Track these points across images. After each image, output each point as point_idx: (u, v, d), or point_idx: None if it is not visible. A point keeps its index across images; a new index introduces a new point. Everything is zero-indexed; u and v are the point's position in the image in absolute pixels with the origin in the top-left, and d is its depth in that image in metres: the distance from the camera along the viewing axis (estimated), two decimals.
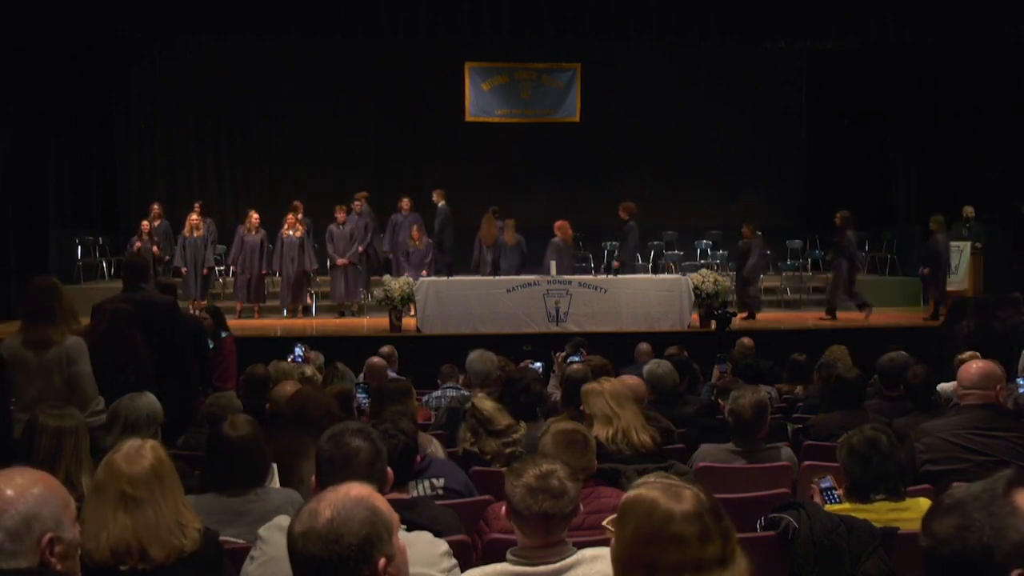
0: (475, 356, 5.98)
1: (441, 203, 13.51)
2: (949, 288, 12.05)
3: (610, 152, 15.90)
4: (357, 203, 13.03)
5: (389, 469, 2.60)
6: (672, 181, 16.25)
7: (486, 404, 4.39)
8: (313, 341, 9.42)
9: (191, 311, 10.85)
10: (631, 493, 1.83)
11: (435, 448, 4.15)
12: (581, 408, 4.33)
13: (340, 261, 12.41)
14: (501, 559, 2.50)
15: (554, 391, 6.18)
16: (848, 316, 12.56)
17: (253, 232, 12.48)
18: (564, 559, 2.43)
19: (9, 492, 1.84)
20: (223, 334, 7.59)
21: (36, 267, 12.26)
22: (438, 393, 6.41)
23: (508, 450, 4.21)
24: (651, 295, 11.28)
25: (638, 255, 15.00)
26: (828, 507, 3.23)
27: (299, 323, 12.31)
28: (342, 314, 12.68)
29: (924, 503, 3.30)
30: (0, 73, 11.80)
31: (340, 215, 12.62)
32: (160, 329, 5.51)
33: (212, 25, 12.77)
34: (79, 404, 4.45)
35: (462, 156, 15.68)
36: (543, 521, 2.43)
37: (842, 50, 14.41)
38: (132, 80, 15.25)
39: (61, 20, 11.88)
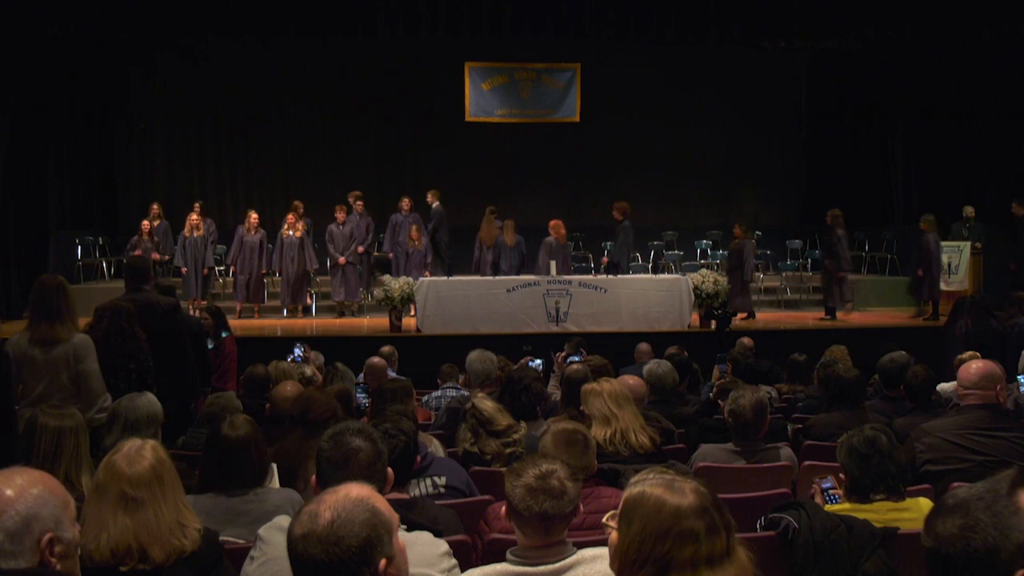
0: (475, 356, 5.98)
1: (435, 204, 13.52)
2: (949, 288, 12.06)
3: (610, 152, 15.91)
4: (359, 203, 13.05)
5: (389, 469, 2.59)
6: (672, 181, 16.26)
7: (486, 404, 4.38)
8: (313, 341, 9.42)
9: (191, 311, 10.86)
10: (634, 490, 1.84)
11: (435, 448, 4.15)
12: (581, 408, 4.33)
13: (341, 260, 12.42)
14: (501, 559, 2.50)
15: (554, 391, 6.18)
16: (848, 316, 12.57)
17: (252, 232, 12.48)
18: (564, 559, 2.43)
19: (9, 492, 1.84)
20: (223, 334, 7.58)
21: (36, 267, 12.27)
22: (438, 393, 6.41)
23: (508, 450, 4.21)
24: (651, 295, 11.28)
25: (637, 255, 15.03)
26: (828, 507, 3.23)
27: (299, 323, 12.31)
28: (342, 314, 12.69)
29: (924, 503, 3.30)
30: (0, 73, 11.81)
31: (340, 215, 12.63)
32: (163, 330, 5.54)
33: (212, 26, 12.77)
34: (87, 401, 4.53)
35: (462, 156, 15.69)
36: (543, 521, 2.42)
37: (842, 50, 14.41)
38: (132, 80, 15.25)
39: (61, 21, 11.89)
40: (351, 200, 12.95)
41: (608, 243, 14.57)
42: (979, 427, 4.01)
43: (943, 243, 12.39)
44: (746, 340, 8.55)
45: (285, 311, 12.74)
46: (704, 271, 11.79)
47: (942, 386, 5.41)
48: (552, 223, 12.11)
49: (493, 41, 14.69)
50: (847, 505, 3.26)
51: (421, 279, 11.38)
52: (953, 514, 1.43)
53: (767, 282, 14.44)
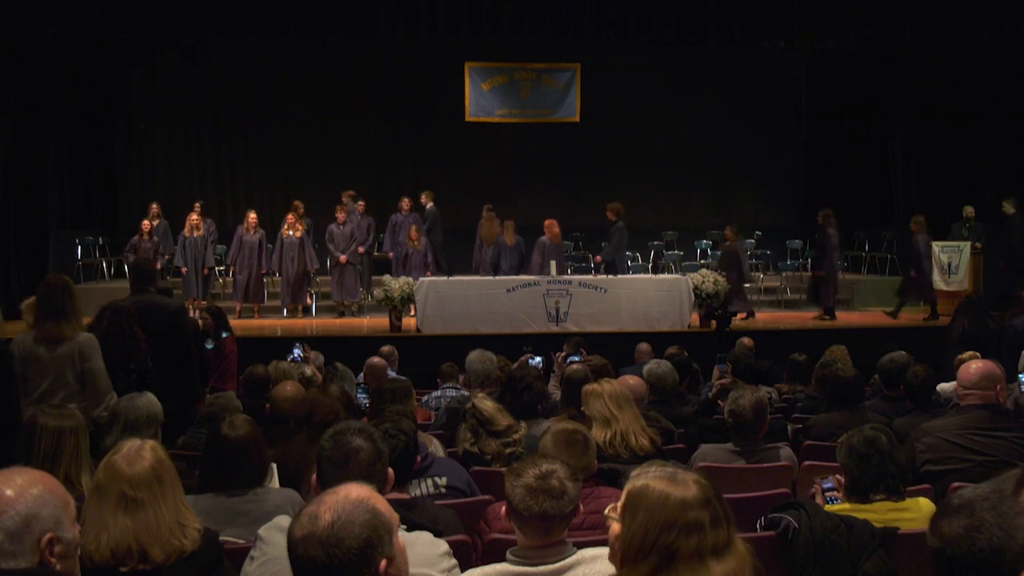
0: (475, 356, 5.98)
1: (429, 204, 13.55)
2: (949, 288, 12.07)
3: (610, 152, 15.91)
4: (360, 204, 13.05)
5: (390, 469, 2.59)
6: (672, 181, 16.27)
7: (486, 404, 4.38)
8: (313, 341, 9.42)
9: (191, 311, 10.85)
10: (637, 482, 1.86)
11: (435, 448, 4.14)
12: (582, 409, 4.33)
13: (342, 258, 12.42)
14: (501, 559, 2.50)
15: (554, 391, 6.18)
16: (848, 316, 12.57)
17: (251, 232, 12.48)
18: (564, 559, 2.43)
19: (9, 492, 1.84)
20: (223, 334, 7.57)
21: (36, 267, 12.28)
22: (438, 393, 6.40)
23: (508, 450, 4.21)
24: (651, 295, 11.28)
25: (637, 255, 15.04)
26: (828, 507, 3.23)
27: (299, 323, 12.31)
28: (342, 314, 12.69)
29: (924, 503, 3.30)
30: (0, 73, 11.81)
31: (341, 215, 12.63)
32: (168, 332, 5.59)
33: (212, 26, 12.78)
34: (93, 399, 4.59)
35: (462, 156, 15.70)
36: (543, 521, 2.42)
37: (842, 50, 14.42)
38: (132, 80, 15.25)
39: (61, 21, 11.89)
40: (345, 199, 12.97)
41: (604, 243, 14.58)
42: (979, 427, 4.01)
43: (943, 243, 12.41)
44: (746, 340, 8.55)
45: (285, 311, 12.74)
46: (704, 271, 11.78)
47: (942, 386, 5.41)
48: (547, 222, 12.13)
49: (493, 41, 14.70)
50: (847, 505, 3.26)
51: (421, 279, 11.38)
52: (958, 514, 1.43)
53: (767, 282, 14.44)
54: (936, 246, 12.44)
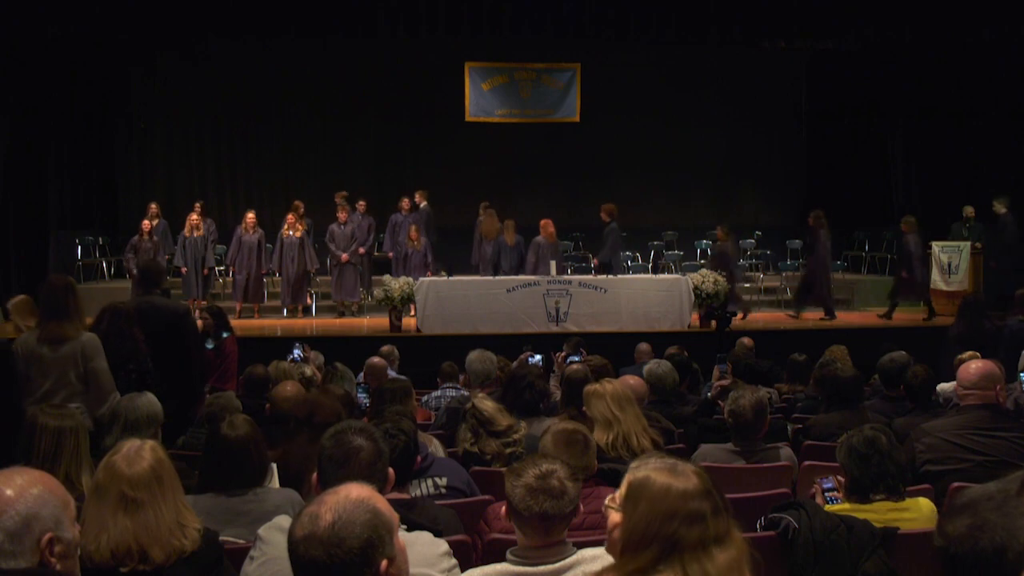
0: (475, 356, 5.98)
1: (423, 204, 13.55)
2: (949, 288, 12.07)
3: (610, 152, 15.91)
4: (361, 203, 13.05)
5: (390, 469, 2.59)
6: (672, 181, 16.27)
7: (486, 404, 4.38)
8: (313, 341, 9.42)
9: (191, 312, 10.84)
10: (638, 474, 1.89)
11: (435, 448, 4.14)
12: (583, 409, 4.33)
13: (344, 257, 12.42)
14: (501, 559, 2.50)
15: (554, 391, 6.18)
16: (848, 316, 12.57)
17: (250, 232, 12.49)
18: (564, 559, 2.43)
19: (9, 492, 1.84)
20: (224, 334, 7.56)
21: (36, 267, 12.28)
22: (437, 393, 6.40)
23: (508, 450, 4.21)
24: (651, 295, 11.28)
25: (637, 255, 15.04)
26: (828, 507, 3.23)
27: (299, 323, 12.31)
28: (342, 314, 12.69)
29: (924, 503, 3.30)
30: (0, 73, 11.81)
31: (342, 214, 12.64)
32: (169, 332, 5.65)
33: (212, 26, 12.78)
34: (97, 399, 4.62)
35: (462, 156, 15.70)
36: (543, 521, 2.42)
37: (842, 50, 14.42)
38: (132, 80, 15.25)
39: (61, 21, 11.89)
40: (338, 200, 12.99)
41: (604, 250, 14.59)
42: (979, 427, 4.01)
43: (943, 243, 12.41)
44: (746, 340, 8.55)
45: (285, 311, 12.74)
46: (704, 271, 11.78)
47: (942, 386, 5.41)
48: (542, 222, 12.15)
49: (493, 41, 14.70)
50: (847, 505, 3.26)
51: (421, 279, 11.38)
52: (962, 514, 1.43)
53: (767, 282, 14.44)
54: (936, 246, 12.45)
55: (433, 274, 12.32)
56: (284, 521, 2.52)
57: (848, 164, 15.60)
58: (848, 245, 15.45)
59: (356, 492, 1.75)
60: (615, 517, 1.91)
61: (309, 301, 12.94)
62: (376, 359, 6.90)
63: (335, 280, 12.59)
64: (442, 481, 3.64)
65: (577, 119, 15.95)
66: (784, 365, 7.15)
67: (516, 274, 11.87)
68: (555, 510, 2.43)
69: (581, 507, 2.58)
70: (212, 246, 12.79)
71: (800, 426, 5.21)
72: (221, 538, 2.74)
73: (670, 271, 14.18)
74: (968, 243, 12.16)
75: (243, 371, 6.04)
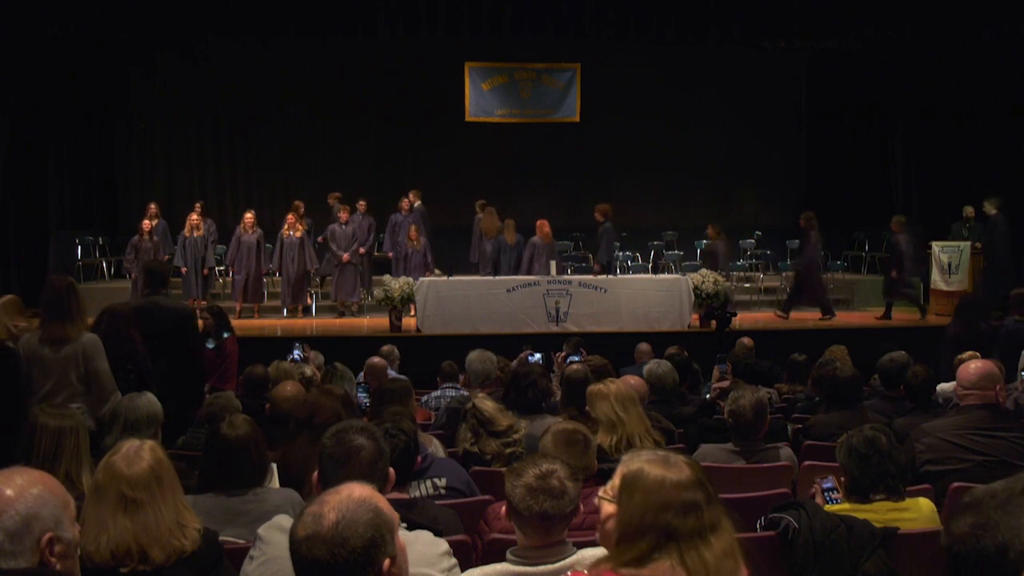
0: (475, 356, 5.98)
1: (417, 203, 13.56)
2: (949, 288, 12.07)
3: (610, 152, 15.91)
4: (362, 203, 13.06)
5: (391, 469, 2.59)
6: (672, 181, 16.27)
7: (486, 404, 4.38)
8: (313, 341, 9.42)
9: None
10: (632, 466, 1.93)
11: (435, 448, 4.14)
12: (586, 409, 4.32)
13: (345, 257, 12.43)
14: (501, 559, 2.50)
15: (555, 391, 6.18)
16: (848, 316, 12.57)
17: (249, 232, 12.49)
18: (564, 559, 2.43)
19: (9, 492, 1.84)
20: (225, 334, 7.57)
21: (36, 267, 12.28)
22: (437, 393, 6.40)
23: (508, 450, 4.21)
24: (651, 295, 11.28)
25: (636, 256, 15.03)
26: (828, 507, 3.23)
27: (299, 323, 12.31)
28: (342, 314, 12.69)
29: (924, 503, 3.30)
30: (0, 73, 11.81)
31: (343, 215, 12.65)
32: (173, 332, 5.68)
33: (212, 26, 12.78)
34: (99, 399, 4.64)
35: (462, 156, 15.70)
36: (543, 521, 2.42)
37: (842, 50, 14.42)
38: (132, 80, 15.25)
39: (61, 21, 11.89)
40: (331, 201, 12.97)
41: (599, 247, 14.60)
42: (979, 427, 4.01)
43: (943, 243, 12.41)
44: (746, 340, 8.55)
45: (285, 311, 12.74)
46: (704, 271, 11.79)
47: (942, 386, 5.41)
48: (538, 223, 12.16)
49: (493, 41, 14.70)
50: (847, 505, 3.26)
51: (421, 279, 11.38)
52: (967, 513, 1.43)
53: (767, 282, 14.43)
54: (936, 246, 12.45)
55: (437, 273, 12.31)
56: (284, 521, 2.52)
57: (848, 164, 15.60)
58: (848, 245, 15.45)
59: (358, 492, 1.76)
60: (608, 508, 1.95)
61: (309, 301, 12.94)
62: (376, 359, 6.89)
63: (336, 280, 12.59)
64: (441, 482, 3.64)
65: (577, 119, 15.96)
66: (784, 365, 7.15)
67: (516, 273, 11.88)
68: (555, 510, 2.43)
69: (581, 507, 2.58)
70: (212, 246, 12.79)
71: (800, 426, 5.21)
72: (221, 538, 2.74)
73: (670, 271, 14.18)
74: (968, 243, 12.15)
75: (243, 371, 6.04)
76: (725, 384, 5.55)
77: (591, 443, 3.32)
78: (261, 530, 2.57)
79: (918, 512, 3.23)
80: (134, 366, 5.06)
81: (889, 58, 14.21)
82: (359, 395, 5.74)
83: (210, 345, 7.17)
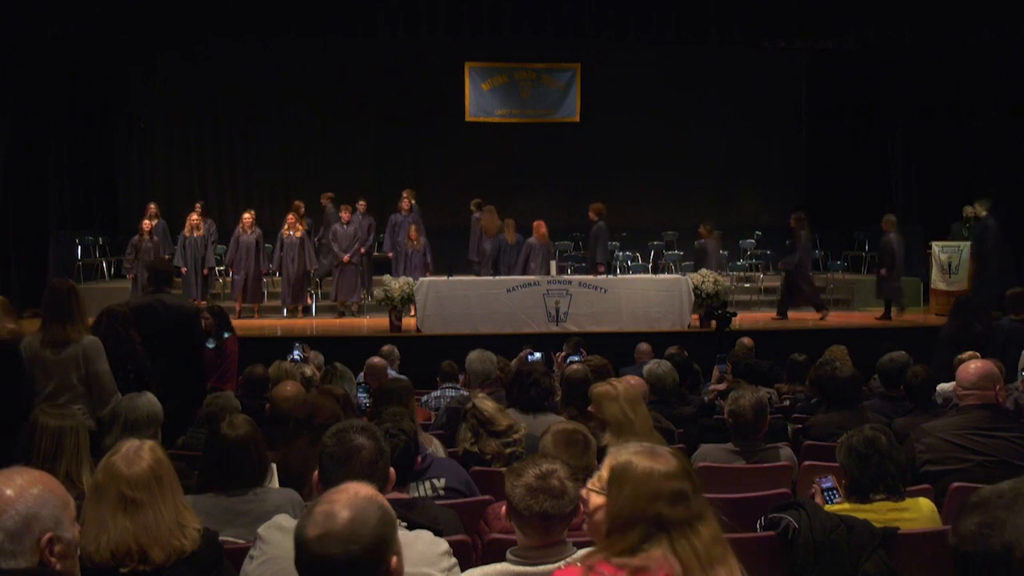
0: (475, 356, 5.98)
1: (411, 203, 13.54)
2: (949, 288, 12.07)
3: (610, 152, 15.92)
4: (362, 203, 13.06)
5: (392, 469, 2.59)
6: (672, 181, 16.27)
7: (487, 404, 4.38)
8: (313, 341, 9.42)
9: None
10: (620, 458, 1.98)
11: (435, 448, 4.14)
12: (589, 410, 4.32)
13: (345, 258, 12.43)
14: (501, 559, 2.50)
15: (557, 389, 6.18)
16: (848, 316, 12.56)
17: (248, 232, 12.50)
18: (564, 559, 2.43)
19: (9, 492, 1.84)
20: (225, 334, 7.57)
21: (36, 267, 12.29)
22: (437, 393, 6.40)
23: (508, 450, 4.21)
24: (651, 295, 11.29)
25: (636, 256, 15.04)
26: (828, 507, 3.23)
27: (299, 323, 12.31)
28: (342, 314, 12.69)
29: (924, 503, 3.30)
30: (0, 73, 11.81)
31: (345, 215, 12.66)
32: (175, 331, 5.72)
33: (212, 26, 12.78)
34: (99, 401, 4.68)
35: (462, 156, 15.71)
36: (543, 521, 2.43)
37: (842, 50, 14.42)
38: (132, 80, 15.25)
39: (61, 21, 11.89)
40: (324, 202, 12.96)
41: (608, 243, 14.58)
42: (979, 427, 4.01)
43: (943, 243, 12.42)
44: (746, 340, 8.55)
45: (285, 311, 12.74)
46: (704, 271, 11.79)
47: (941, 386, 5.41)
48: (535, 223, 12.17)
49: (493, 41, 14.70)
50: (847, 505, 3.26)
51: (421, 279, 11.39)
52: (974, 512, 1.43)
53: (767, 282, 14.43)
54: (936, 246, 12.46)
55: (432, 274, 12.32)
56: (284, 520, 2.52)
57: (848, 164, 15.61)
58: (848, 245, 15.45)
59: (364, 490, 1.78)
60: (597, 500, 2.00)
61: (309, 301, 12.94)
62: (376, 359, 6.89)
63: (335, 280, 12.59)
64: (440, 483, 3.64)
65: (577, 119, 15.96)
66: (784, 365, 7.15)
67: (515, 272, 11.89)
68: (555, 510, 2.43)
69: (581, 507, 2.58)
70: (212, 246, 12.80)
71: (800, 426, 5.21)
72: (221, 538, 2.74)
73: (670, 271, 14.19)
74: (968, 243, 12.16)
75: (243, 371, 6.04)
76: (722, 387, 5.55)
77: (591, 443, 3.32)
78: (261, 529, 2.57)
79: (918, 512, 3.23)
80: (133, 366, 5.08)
81: (889, 58, 14.21)
82: (359, 395, 5.73)
83: (210, 345, 7.16)
